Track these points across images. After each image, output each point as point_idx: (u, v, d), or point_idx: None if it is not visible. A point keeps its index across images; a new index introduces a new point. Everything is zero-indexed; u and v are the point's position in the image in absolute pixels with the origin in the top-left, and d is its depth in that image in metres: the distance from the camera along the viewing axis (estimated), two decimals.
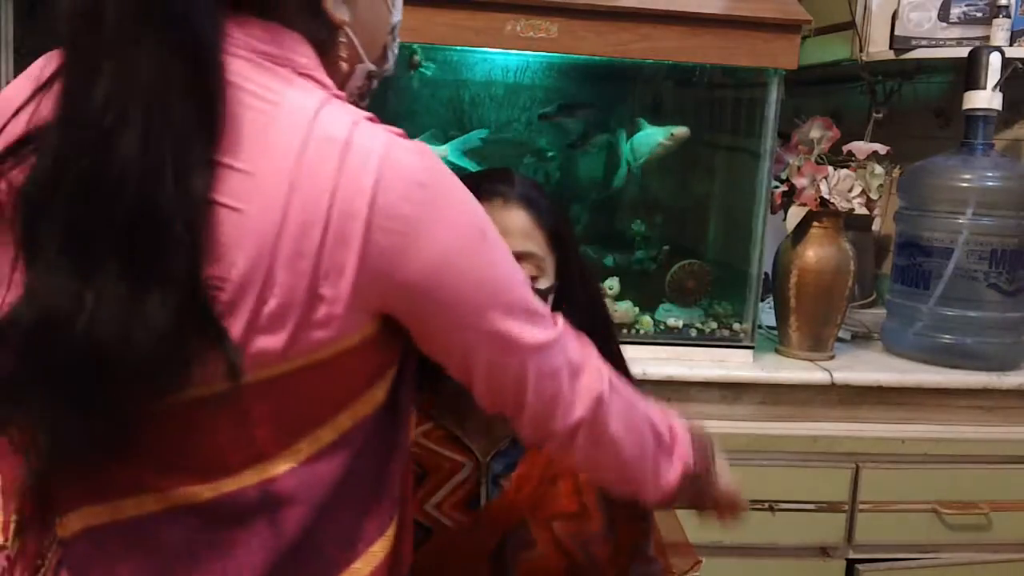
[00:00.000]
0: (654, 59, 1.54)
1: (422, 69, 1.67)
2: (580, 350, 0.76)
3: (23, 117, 0.60)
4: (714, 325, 1.70)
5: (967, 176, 1.66)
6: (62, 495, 0.65)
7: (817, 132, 1.63)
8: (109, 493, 0.64)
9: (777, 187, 1.64)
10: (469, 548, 0.95)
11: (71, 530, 0.65)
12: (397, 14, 0.79)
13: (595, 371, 0.77)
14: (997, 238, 1.66)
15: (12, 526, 0.67)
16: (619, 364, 1.04)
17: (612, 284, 1.68)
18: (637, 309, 1.69)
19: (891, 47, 1.82)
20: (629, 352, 1.57)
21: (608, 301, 1.67)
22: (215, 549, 0.64)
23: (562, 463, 0.82)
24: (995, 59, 1.63)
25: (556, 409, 0.74)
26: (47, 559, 0.66)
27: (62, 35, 0.60)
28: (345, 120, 0.62)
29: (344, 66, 0.73)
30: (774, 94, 1.58)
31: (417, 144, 0.65)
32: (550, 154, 1.85)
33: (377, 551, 0.70)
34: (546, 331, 0.72)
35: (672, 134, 1.68)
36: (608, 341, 1.02)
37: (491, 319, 0.67)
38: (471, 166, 1.62)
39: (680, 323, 1.70)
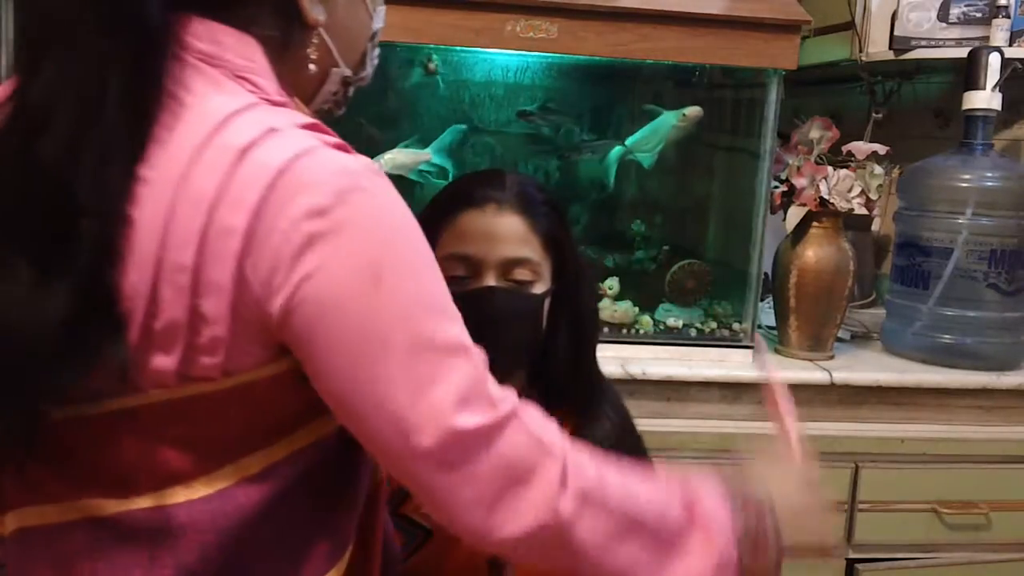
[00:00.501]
0: (654, 59, 1.54)
1: (437, 76, 1.67)
2: (530, 435, 0.63)
3: None
4: (714, 325, 1.70)
5: (966, 176, 1.67)
6: (7, 493, 0.65)
7: (817, 132, 1.63)
8: (39, 497, 0.64)
9: (777, 187, 1.64)
10: (469, 549, 0.95)
11: (7, 529, 0.65)
12: (378, 21, 0.76)
13: (552, 458, 0.63)
14: (996, 238, 1.66)
15: None
16: (593, 368, 1.04)
17: (612, 284, 1.68)
18: (637, 309, 1.69)
19: (890, 47, 1.82)
20: (629, 352, 1.59)
21: (608, 301, 1.67)
22: (107, 567, 0.63)
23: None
24: (994, 59, 1.63)
25: (483, 517, 0.62)
26: None
27: (18, 26, 0.61)
28: (258, 127, 0.58)
29: (312, 68, 0.69)
30: (774, 94, 1.58)
31: (344, 162, 0.59)
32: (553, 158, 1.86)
33: None
34: (480, 414, 0.60)
35: (684, 114, 1.68)
36: (589, 344, 1.02)
37: (380, 380, 0.59)
38: (451, 165, 1.63)
39: (680, 323, 1.70)
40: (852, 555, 1.61)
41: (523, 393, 0.68)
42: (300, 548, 0.66)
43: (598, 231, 1.89)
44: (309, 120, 0.62)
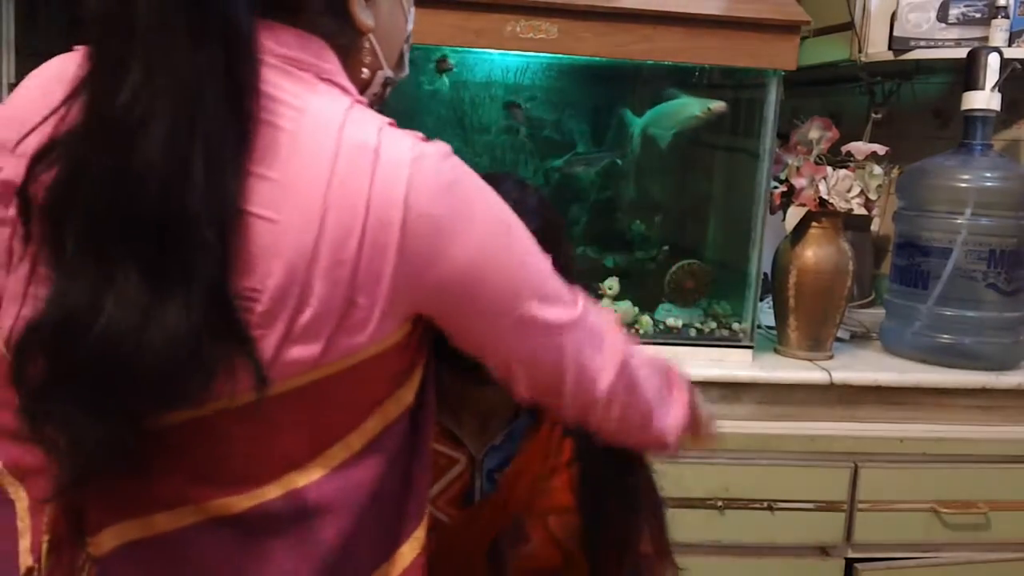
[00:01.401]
0: (654, 60, 1.55)
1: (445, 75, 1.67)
2: (599, 317, 0.77)
3: (53, 121, 0.59)
4: (713, 325, 1.71)
5: (966, 176, 1.67)
6: (94, 512, 0.63)
7: (816, 132, 1.64)
8: (142, 508, 0.62)
9: (776, 187, 1.64)
10: (466, 543, 0.95)
11: (105, 548, 0.63)
12: (411, 22, 0.79)
13: (615, 333, 0.78)
14: (996, 238, 1.66)
15: (44, 546, 0.65)
16: None
17: (612, 284, 1.68)
18: (636, 309, 1.70)
19: (890, 48, 1.83)
20: None
21: (608, 301, 1.67)
22: (254, 561, 0.63)
23: (600, 430, 0.81)
24: (994, 59, 1.63)
25: (592, 379, 0.74)
26: None
27: (90, 35, 0.58)
28: (372, 126, 0.62)
29: (366, 72, 0.73)
30: (773, 95, 1.58)
31: (438, 146, 0.65)
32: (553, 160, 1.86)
33: (406, 552, 0.71)
34: (572, 309, 0.73)
35: (709, 108, 1.67)
36: None
37: (526, 308, 0.68)
38: None
39: (679, 323, 1.70)
40: (851, 554, 1.62)
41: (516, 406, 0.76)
42: (394, 516, 0.70)
43: (598, 231, 1.90)
44: (389, 119, 0.66)
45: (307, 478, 0.64)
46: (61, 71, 0.65)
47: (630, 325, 1.68)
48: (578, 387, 0.74)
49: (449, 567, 0.95)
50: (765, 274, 1.71)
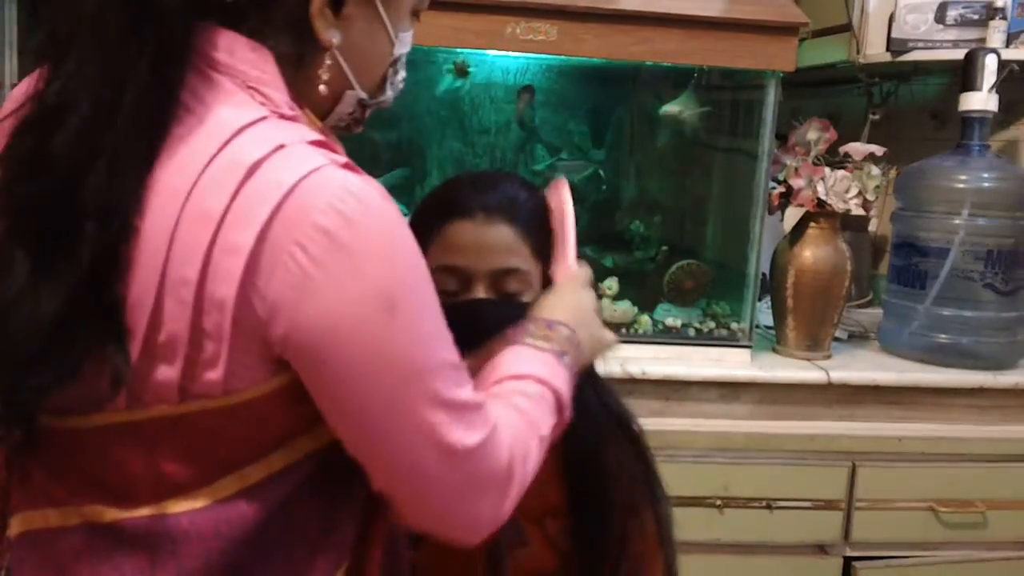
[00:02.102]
0: (653, 61, 1.55)
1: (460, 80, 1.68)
2: (512, 433, 0.68)
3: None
4: (712, 325, 1.71)
5: (963, 177, 1.67)
6: (15, 496, 0.66)
7: (814, 133, 1.64)
8: (42, 501, 0.65)
9: (774, 188, 1.65)
10: (465, 549, 0.95)
11: (13, 532, 0.66)
12: (401, 47, 0.75)
13: (522, 451, 0.69)
14: (993, 239, 1.67)
15: None
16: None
17: (611, 284, 1.69)
18: (636, 309, 1.70)
19: (888, 49, 1.83)
20: (628, 352, 1.60)
21: (607, 301, 1.68)
22: (116, 570, 0.63)
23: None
24: (991, 61, 1.64)
25: (473, 518, 0.68)
26: (5, 558, 0.67)
27: (46, 20, 0.63)
28: (267, 143, 0.58)
29: (323, 88, 0.69)
30: (772, 96, 1.59)
31: (349, 183, 0.58)
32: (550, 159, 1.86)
33: None
34: (468, 431, 0.63)
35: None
36: None
37: (386, 405, 0.60)
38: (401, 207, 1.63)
39: (678, 323, 1.71)
40: (849, 553, 1.62)
41: None
42: (302, 556, 0.66)
43: (597, 231, 1.90)
44: (318, 137, 0.62)
45: (188, 505, 0.62)
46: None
47: (629, 325, 1.68)
48: (448, 529, 0.68)
49: (449, 569, 0.95)
50: (764, 274, 1.72)
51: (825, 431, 1.60)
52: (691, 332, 1.69)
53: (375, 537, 0.72)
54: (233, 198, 0.56)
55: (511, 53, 1.56)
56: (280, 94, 0.63)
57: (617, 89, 1.88)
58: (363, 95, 0.73)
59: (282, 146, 0.58)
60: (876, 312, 1.97)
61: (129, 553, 0.63)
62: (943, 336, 1.69)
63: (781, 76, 1.57)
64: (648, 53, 1.51)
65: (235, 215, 0.56)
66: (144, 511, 0.62)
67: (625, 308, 1.69)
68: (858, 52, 1.86)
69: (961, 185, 1.67)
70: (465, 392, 0.64)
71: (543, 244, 0.95)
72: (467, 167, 1.80)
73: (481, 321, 0.91)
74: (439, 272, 0.92)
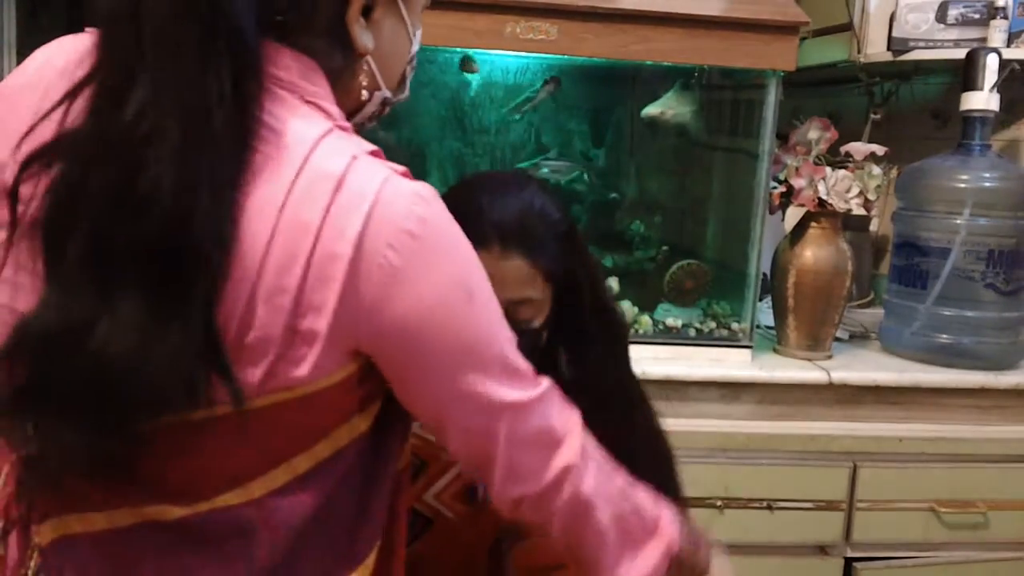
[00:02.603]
0: (653, 61, 1.55)
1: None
2: (562, 418, 0.72)
3: (56, 117, 0.59)
4: (713, 325, 1.71)
5: (964, 177, 1.67)
6: (41, 502, 0.65)
7: (815, 133, 1.64)
8: (83, 504, 0.64)
9: (775, 188, 1.65)
10: (470, 538, 0.96)
11: (46, 538, 0.65)
12: (416, 44, 0.77)
13: (574, 442, 0.72)
14: (994, 238, 1.67)
15: None
16: (625, 370, 1.03)
17: (611, 284, 1.69)
18: (636, 309, 1.70)
19: (889, 48, 1.83)
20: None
21: None
22: (180, 570, 0.64)
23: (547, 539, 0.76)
24: (992, 60, 1.64)
25: (521, 478, 0.70)
26: (28, 565, 0.66)
27: (100, 36, 0.59)
28: (344, 155, 0.61)
29: (364, 93, 0.72)
30: (772, 95, 1.59)
31: (416, 188, 0.63)
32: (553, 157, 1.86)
33: None
34: (524, 391, 0.69)
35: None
36: (617, 343, 1.02)
37: (467, 378, 0.65)
38: None
39: (679, 323, 1.71)
40: (850, 553, 1.62)
41: None
42: (343, 538, 0.69)
43: (597, 231, 1.90)
44: (372, 147, 0.65)
45: (248, 495, 0.64)
46: (66, 58, 0.64)
47: (630, 325, 1.68)
48: (506, 481, 0.70)
49: (452, 562, 0.95)
50: (764, 274, 1.72)
51: (826, 431, 1.60)
52: (691, 332, 1.69)
53: (400, 512, 0.76)
54: (327, 209, 0.59)
55: (511, 53, 1.56)
56: (335, 107, 0.66)
57: (617, 89, 1.88)
58: (388, 94, 0.75)
59: (355, 157, 0.61)
60: (877, 312, 1.96)
61: (197, 548, 0.64)
62: (944, 336, 1.69)
63: (782, 75, 1.57)
64: (648, 52, 1.50)
65: (331, 225, 0.59)
66: (207, 505, 0.63)
67: (625, 308, 1.68)
68: (859, 51, 1.86)
69: (962, 185, 1.67)
70: (520, 362, 0.70)
71: (555, 265, 0.93)
72: (467, 167, 1.80)
73: None
74: None
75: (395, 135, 1.79)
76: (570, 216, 0.98)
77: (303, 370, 0.61)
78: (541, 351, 0.97)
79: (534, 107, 1.74)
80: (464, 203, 0.92)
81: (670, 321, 1.71)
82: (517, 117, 1.80)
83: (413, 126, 1.79)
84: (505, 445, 0.69)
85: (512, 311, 0.92)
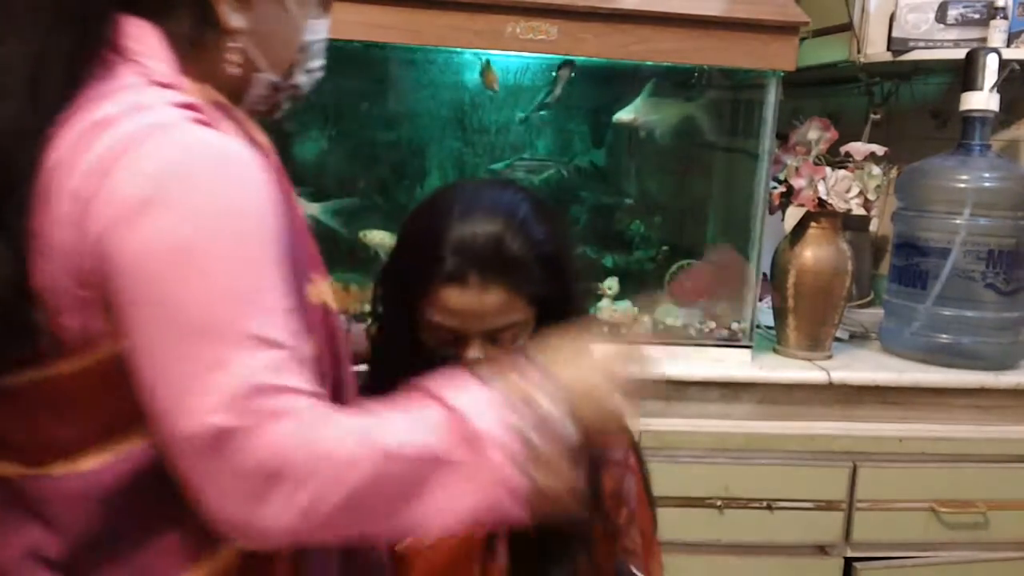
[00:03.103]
0: (653, 61, 1.55)
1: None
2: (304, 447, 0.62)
3: None
4: (712, 325, 1.71)
5: (964, 177, 1.67)
6: None
7: (815, 133, 1.64)
8: None
9: (775, 188, 1.65)
10: (463, 533, 0.95)
11: None
12: (313, 34, 0.79)
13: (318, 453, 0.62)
14: (994, 238, 1.67)
15: None
16: None
17: (611, 284, 1.69)
18: (636, 309, 1.70)
19: (889, 48, 1.83)
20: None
21: (607, 301, 1.68)
22: (14, 528, 0.69)
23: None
24: (992, 60, 1.64)
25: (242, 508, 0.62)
26: None
27: None
28: (121, 106, 0.64)
29: (235, 70, 0.74)
30: (772, 95, 1.59)
31: (195, 141, 0.64)
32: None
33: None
34: (245, 417, 0.60)
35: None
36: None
37: (165, 355, 0.61)
38: (339, 227, 1.63)
39: (679, 323, 1.71)
40: (850, 553, 1.62)
41: None
42: (156, 535, 0.69)
43: (597, 231, 1.90)
44: (187, 100, 0.67)
45: (74, 467, 0.67)
46: None
47: (629, 325, 1.68)
48: (212, 503, 0.62)
49: (446, 556, 0.95)
50: (764, 274, 1.72)
51: (826, 431, 1.60)
52: (691, 332, 1.69)
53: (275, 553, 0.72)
54: (83, 152, 0.62)
55: (511, 53, 1.56)
56: (159, 64, 0.69)
57: (617, 88, 1.88)
58: (274, 78, 0.77)
59: (139, 106, 0.64)
60: (877, 312, 1.96)
61: (27, 509, 0.68)
62: (944, 336, 1.69)
63: (782, 75, 1.57)
64: (648, 53, 1.50)
65: (81, 166, 0.62)
66: (38, 470, 0.67)
67: (625, 308, 1.68)
68: (859, 51, 1.86)
69: (962, 185, 1.67)
70: (253, 367, 0.61)
71: (539, 289, 0.92)
72: (467, 167, 1.80)
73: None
74: (433, 327, 0.92)
75: (395, 135, 1.79)
76: (560, 228, 0.96)
77: (74, 323, 0.63)
78: None
79: (557, 100, 1.72)
80: (439, 232, 0.90)
81: (670, 321, 1.71)
82: (543, 114, 1.78)
83: (413, 127, 1.79)
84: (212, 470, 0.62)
85: (495, 337, 0.92)
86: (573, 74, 1.68)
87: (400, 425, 0.66)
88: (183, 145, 0.63)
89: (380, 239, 1.64)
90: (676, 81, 1.81)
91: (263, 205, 0.65)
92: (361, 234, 1.65)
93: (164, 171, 0.62)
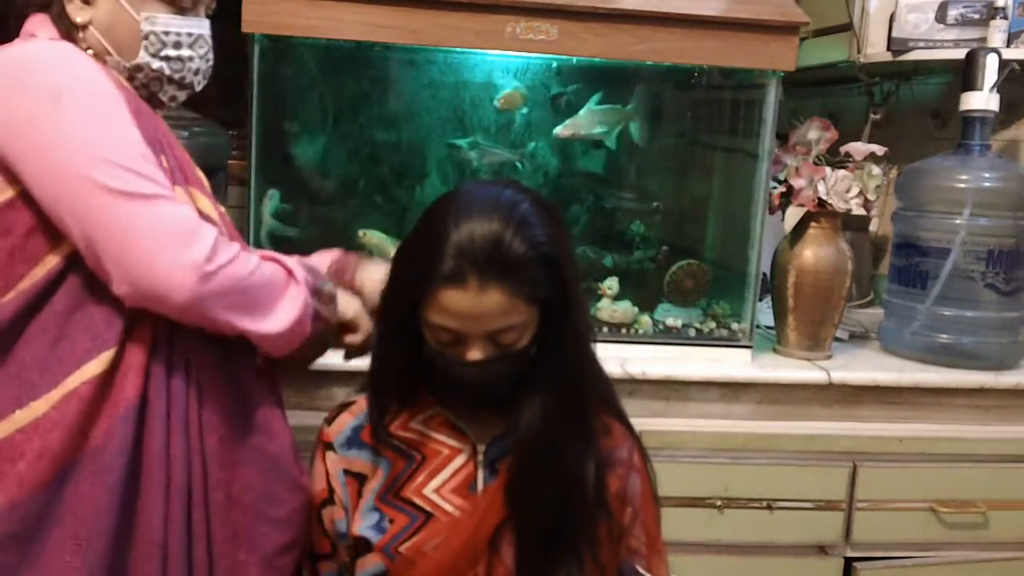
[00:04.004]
0: (653, 61, 1.55)
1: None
2: (188, 223, 0.90)
3: None
4: (713, 325, 1.71)
5: (964, 177, 1.67)
6: None
7: (815, 133, 1.64)
8: None
9: (775, 188, 1.65)
10: (469, 532, 0.96)
11: None
12: (151, 25, 1.01)
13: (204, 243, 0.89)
14: (994, 238, 1.67)
15: None
16: (596, 369, 1.03)
17: (612, 284, 1.69)
18: (636, 309, 1.70)
19: (888, 49, 1.83)
20: (628, 352, 1.60)
21: (607, 301, 1.68)
22: None
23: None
24: (992, 60, 1.64)
25: (138, 265, 0.87)
26: None
27: None
28: (12, 43, 0.96)
29: (90, 52, 0.99)
30: (772, 95, 1.59)
31: (55, 44, 0.95)
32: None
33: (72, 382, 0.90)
34: (145, 187, 0.88)
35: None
36: (587, 348, 1.01)
37: (73, 174, 0.87)
38: (284, 229, 1.65)
39: (679, 323, 1.71)
40: (850, 553, 1.62)
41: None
42: (60, 339, 0.91)
43: (597, 231, 1.90)
44: (59, 38, 0.99)
45: None
46: None
47: (630, 325, 1.68)
48: (118, 266, 0.87)
49: (452, 556, 0.95)
50: (764, 274, 1.72)
51: (826, 431, 1.60)
52: (691, 332, 1.69)
53: (141, 335, 0.93)
54: None
55: (511, 53, 1.56)
56: (48, 32, 0.99)
57: (616, 89, 1.88)
58: (124, 62, 1.01)
59: (29, 39, 0.98)
60: (877, 312, 1.97)
61: None
62: (944, 336, 1.69)
63: (782, 75, 1.57)
64: (648, 53, 1.51)
65: None
66: None
67: (625, 308, 1.69)
68: (859, 51, 1.86)
69: (962, 185, 1.67)
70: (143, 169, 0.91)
71: (539, 289, 0.91)
72: (467, 167, 1.80)
73: (473, 378, 0.94)
74: (434, 327, 0.92)
75: (395, 135, 1.79)
76: (560, 228, 0.95)
77: None
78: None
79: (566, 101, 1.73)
80: (437, 235, 0.90)
81: (670, 321, 1.71)
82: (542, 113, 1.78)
83: (413, 126, 1.79)
84: (119, 232, 0.87)
85: (496, 338, 0.92)
86: (567, 99, 1.73)
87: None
88: (34, 47, 0.94)
89: (378, 241, 1.64)
90: (677, 81, 1.81)
91: (108, 85, 0.92)
92: (361, 232, 1.65)
93: (15, 57, 0.91)
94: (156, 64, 1.02)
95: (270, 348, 0.99)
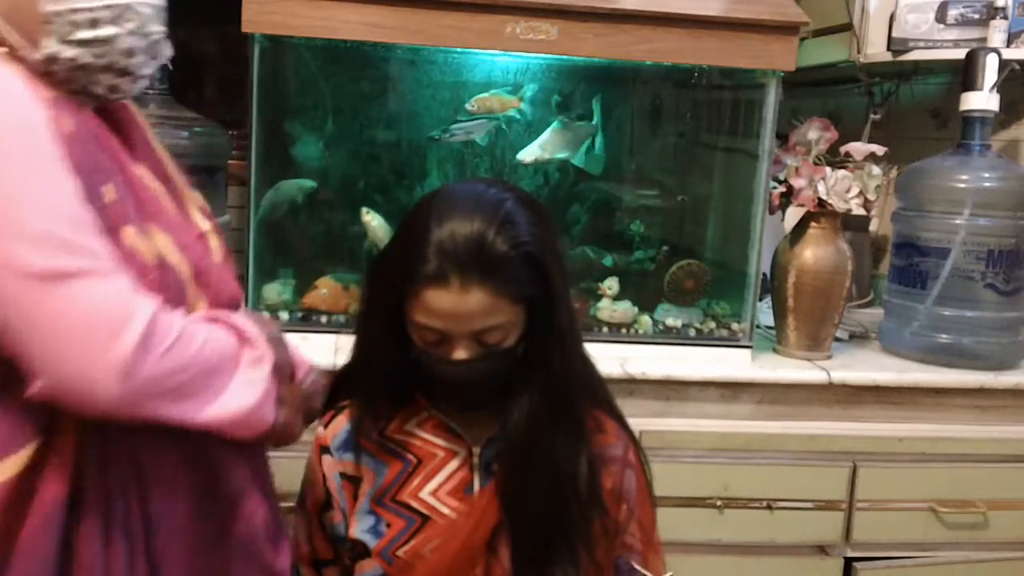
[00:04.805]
0: (653, 61, 1.55)
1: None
2: (122, 300, 0.76)
3: None
4: (712, 325, 1.71)
5: (964, 177, 1.67)
6: None
7: (815, 133, 1.64)
8: None
9: (775, 188, 1.65)
10: (467, 534, 0.96)
11: None
12: (53, 3, 0.80)
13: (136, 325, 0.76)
14: (994, 238, 1.67)
15: None
16: (586, 367, 1.03)
17: (611, 284, 1.69)
18: (636, 309, 1.70)
19: (888, 49, 1.83)
20: (628, 352, 1.60)
21: (607, 301, 1.68)
22: None
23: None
24: (992, 60, 1.64)
25: (64, 352, 0.74)
26: None
27: None
28: None
29: (3, 48, 0.82)
30: (772, 95, 1.59)
31: None
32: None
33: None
34: (61, 261, 0.73)
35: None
36: (575, 346, 1.00)
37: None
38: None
39: (679, 323, 1.71)
40: (850, 553, 1.62)
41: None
42: None
43: (597, 231, 1.90)
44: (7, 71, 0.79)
45: None
46: None
47: (629, 325, 1.68)
48: (43, 359, 0.74)
49: (449, 559, 0.95)
50: (764, 274, 1.72)
51: (826, 431, 1.60)
52: (691, 332, 1.69)
53: (64, 426, 0.80)
54: None
55: (511, 53, 1.56)
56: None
57: (617, 88, 1.88)
58: (36, 55, 0.81)
59: None
60: (877, 312, 1.97)
61: None
62: (944, 336, 1.69)
63: (781, 75, 1.57)
64: (648, 53, 1.51)
65: None
66: None
67: (625, 308, 1.69)
68: (859, 51, 1.86)
69: (962, 185, 1.67)
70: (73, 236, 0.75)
71: (523, 288, 0.91)
72: (467, 167, 1.80)
73: (459, 377, 0.93)
74: (419, 327, 0.92)
75: (395, 135, 1.79)
76: (546, 226, 0.94)
77: None
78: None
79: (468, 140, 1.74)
80: (419, 234, 0.89)
81: (670, 321, 1.71)
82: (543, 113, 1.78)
83: (413, 126, 1.79)
84: (40, 318, 0.73)
85: (481, 337, 0.91)
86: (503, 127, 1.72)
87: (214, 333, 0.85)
88: None
89: (377, 225, 1.62)
90: (677, 81, 1.81)
91: (21, 117, 0.76)
92: (364, 210, 1.63)
93: None
94: (70, 52, 0.81)
95: (229, 434, 0.85)
